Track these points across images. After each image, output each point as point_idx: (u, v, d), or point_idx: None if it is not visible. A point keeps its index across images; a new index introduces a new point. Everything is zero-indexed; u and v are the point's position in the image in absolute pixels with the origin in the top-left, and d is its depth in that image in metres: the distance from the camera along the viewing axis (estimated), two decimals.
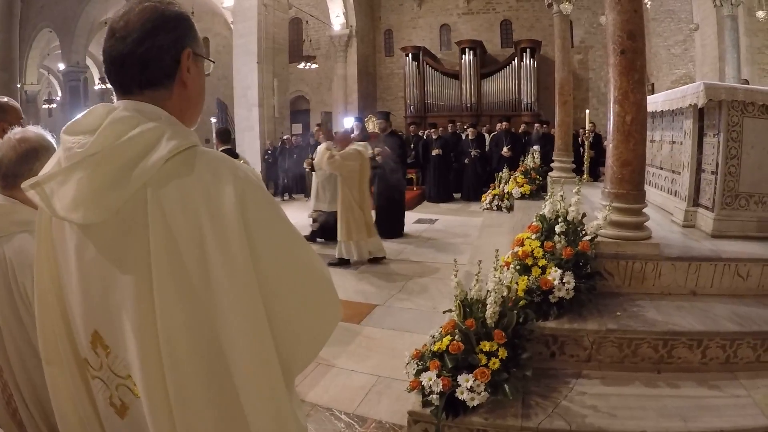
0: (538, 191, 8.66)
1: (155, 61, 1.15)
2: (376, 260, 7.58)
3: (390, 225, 9.02)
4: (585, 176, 8.38)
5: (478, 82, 19.21)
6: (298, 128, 21.40)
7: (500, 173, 9.84)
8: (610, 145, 3.83)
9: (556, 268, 3.29)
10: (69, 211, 1.06)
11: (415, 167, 14.67)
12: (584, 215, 3.78)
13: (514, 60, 18.78)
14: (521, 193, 8.54)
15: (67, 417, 1.32)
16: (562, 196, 3.86)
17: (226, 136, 8.46)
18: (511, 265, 3.40)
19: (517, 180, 8.79)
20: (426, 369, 2.93)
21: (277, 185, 16.69)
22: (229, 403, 1.10)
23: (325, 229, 8.54)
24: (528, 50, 18.41)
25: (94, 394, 1.26)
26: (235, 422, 1.11)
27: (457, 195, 13.85)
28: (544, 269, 3.34)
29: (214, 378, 1.09)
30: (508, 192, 8.95)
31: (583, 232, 3.60)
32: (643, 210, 3.89)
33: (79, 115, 1.18)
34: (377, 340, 4.86)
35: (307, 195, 15.15)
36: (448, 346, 2.89)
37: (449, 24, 21.19)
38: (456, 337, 2.96)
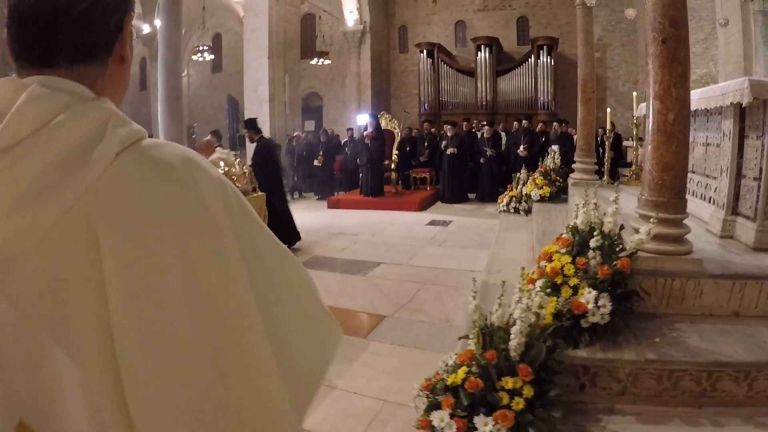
0: (558, 194, 8.26)
1: (98, 23, 0.82)
2: None
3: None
4: (605, 178, 7.94)
5: (494, 79, 18.68)
6: (310, 125, 21.05)
7: (518, 174, 9.42)
8: (649, 147, 3.39)
9: (590, 289, 2.84)
10: None
11: (428, 167, 14.25)
12: (622, 227, 3.34)
13: (531, 58, 18.22)
14: (540, 195, 8.13)
15: None
16: (596, 204, 3.39)
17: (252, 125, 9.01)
18: (537, 284, 2.98)
19: (537, 181, 8.38)
20: (437, 405, 2.53)
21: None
22: None
23: None
24: (545, 48, 17.83)
25: None
26: None
27: (471, 195, 13.33)
28: (575, 289, 2.89)
29: None
30: (526, 194, 8.53)
31: (620, 247, 3.15)
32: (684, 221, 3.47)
33: None
34: (384, 357, 4.45)
35: (317, 193, 14.99)
36: (464, 381, 2.48)
37: (464, 20, 20.67)
38: (473, 368, 2.55)
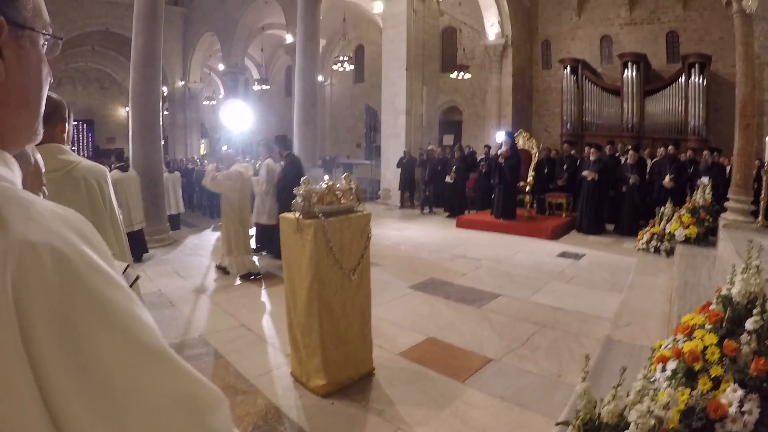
0: (706, 235, 7.18)
1: None
2: (250, 277, 8.08)
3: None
4: (760, 219, 6.74)
5: (641, 100, 17.14)
6: (449, 139, 20.71)
7: (662, 208, 8.39)
8: None
9: (736, 386, 2.12)
10: None
11: (566, 191, 13.24)
12: None
13: (681, 76, 16.44)
14: (686, 235, 7.11)
15: None
16: (758, 267, 2.56)
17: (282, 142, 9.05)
18: (669, 366, 2.34)
19: (683, 219, 7.36)
20: None
21: (412, 196, 16.22)
22: None
23: (264, 241, 9.46)
24: (696, 65, 15.94)
25: None
26: None
27: (609, 227, 12.08)
28: (717, 383, 2.20)
29: None
30: (669, 232, 7.53)
31: None
32: None
33: None
34: (478, 409, 3.92)
35: (447, 210, 14.57)
36: None
37: (610, 35, 19.26)
38: None
